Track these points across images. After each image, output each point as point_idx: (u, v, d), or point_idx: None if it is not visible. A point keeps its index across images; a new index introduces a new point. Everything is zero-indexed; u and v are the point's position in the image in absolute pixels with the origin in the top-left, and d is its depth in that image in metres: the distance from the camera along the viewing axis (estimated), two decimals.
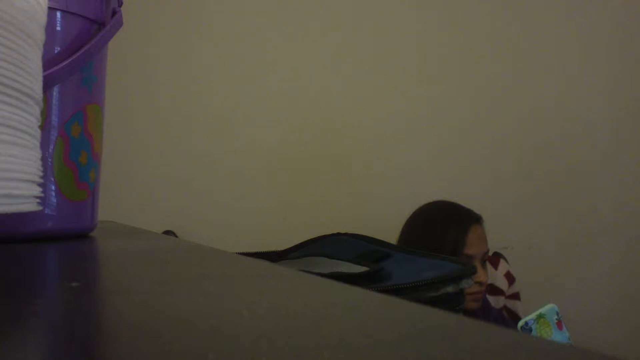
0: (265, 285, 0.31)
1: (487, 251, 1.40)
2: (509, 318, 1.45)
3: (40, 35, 0.35)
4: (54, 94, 0.51)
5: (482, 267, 1.35)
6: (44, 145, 0.48)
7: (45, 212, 0.50)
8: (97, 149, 0.56)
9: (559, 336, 1.08)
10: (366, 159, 1.52)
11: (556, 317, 1.10)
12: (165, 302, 0.25)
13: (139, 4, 1.27)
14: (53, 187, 0.51)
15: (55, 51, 0.51)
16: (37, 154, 0.34)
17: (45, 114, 0.50)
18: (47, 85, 0.46)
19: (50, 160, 0.50)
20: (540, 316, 1.07)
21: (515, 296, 1.50)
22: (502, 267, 1.51)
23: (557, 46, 1.73)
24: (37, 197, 0.33)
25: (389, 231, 1.48)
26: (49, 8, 0.41)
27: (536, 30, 1.72)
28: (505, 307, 1.49)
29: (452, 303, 0.73)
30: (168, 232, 1.27)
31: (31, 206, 0.32)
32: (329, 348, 0.18)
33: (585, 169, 1.77)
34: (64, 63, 0.48)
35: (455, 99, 1.63)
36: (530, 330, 1.05)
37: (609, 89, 1.73)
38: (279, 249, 1.05)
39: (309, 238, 1.08)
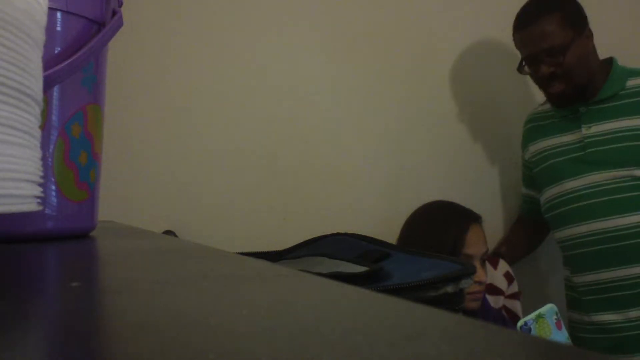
0: (265, 285, 0.31)
1: (487, 251, 1.40)
2: (508, 318, 1.45)
3: (40, 36, 0.35)
4: (54, 94, 0.51)
5: (481, 266, 1.35)
6: (44, 145, 0.48)
7: (46, 212, 0.50)
8: (97, 149, 0.56)
9: (558, 336, 1.09)
10: (366, 159, 1.52)
11: (555, 317, 1.10)
12: (165, 301, 0.25)
13: (139, 5, 1.27)
14: (53, 187, 0.51)
15: (56, 51, 0.51)
16: (37, 154, 0.34)
17: (46, 114, 0.50)
18: (48, 85, 0.46)
19: (50, 160, 0.50)
20: (540, 316, 1.07)
21: (515, 296, 1.50)
22: (502, 267, 1.51)
23: None
24: (37, 197, 0.33)
25: (389, 231, 1.48)
26: (49, 8, 0.41)
27: None
28: (504, 307, 1.49)
29: (452, 303, 0.74)
30: (168, 232, 1.27)
31: (31, 206, 0.32)
32: (329, 348, 0.18)
33: None
34: (64, 63, 0.48)
35: (456, 98, 1.63)
36: (530, 330, 1.05)
37: None
38: (279, 249, 1.05)
39: (309, 238, 1.08)
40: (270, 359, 0.17)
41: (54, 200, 0.51)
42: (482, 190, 1.65)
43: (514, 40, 1.41)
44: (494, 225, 1.61)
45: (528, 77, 1.60)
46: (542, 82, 1.39)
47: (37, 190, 0.33)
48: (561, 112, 1.43)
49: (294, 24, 1.47)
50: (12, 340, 0.19)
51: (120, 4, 0.58)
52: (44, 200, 0.50)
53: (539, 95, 1.72)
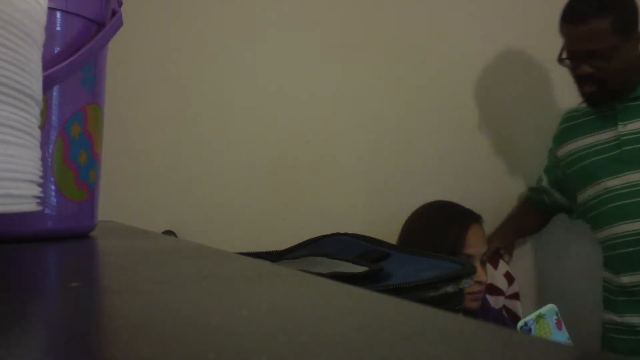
0: (265, 285, 0.31)
1: (487, 251, 1.40)
2: (508, 318, 1.45)
3: (40, 36, 0.35)
4: (54, 94, 0.51)
5: (481, 266, 1.35)
6: (44, 145, 0.48)
7: (45, 212, 0.50)
8: (97, 149, 0.56)
9: (558, 336, 1.09)
10: (366, 159, 1.52)
11: (555, 317, 1.10)
12: (165, 301, 0.25)
13: (139, 4, 1.27)
14: (53, 187, 0.51)
15: (55, 51, 0.51)
16: (37, 154, 0.34)
17: (45, 114, 0.50)
18: (47, 85, 0.46)
19: (50, 160, 0.50)
20: (540, 316, 1.07)
21: (515, 296, 1.50)
22: (502, 267, 1.51)
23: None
24: (37, 197, 0.33)
25: (389, 231, 1.48)
26: (49, 8, 0.41)
27: (541, 29, 1.72)
28: (504, 307, 1.49)
29: (452, 303, 0.73)
30: (168, 232, 1.27)
31: (31, 206, 0.32)
32: (329, 348, 0.18)
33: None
34: (64, 63, 0.48)
35: (457, 98, 1.63)
36: (530, 330, 1.05)
37: None
38: (279, 249, 1.05)
39: (309, 238, 1.08)
40: (270, 359, 0.17)
41: (53, 200, 0.51)
42: (482, 190, 1.65)
43: (560, 28, 1.36)
44: (494, 225, 1.61)
45: (528, 78, 1.60)
46: (579, 80, 1.37)
47: (37, 190, 0.33)
48: (597, 109, 1.42)
49: (296, 25, 1.47)
50: (12, 340, 0.19)
51: (120, 4, 0.58)
52: (43, 200, 0.50)
53: (540, 96, 1.72)
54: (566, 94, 1.64)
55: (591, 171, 1.41)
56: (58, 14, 0.51)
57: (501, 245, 1.54)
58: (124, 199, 1.27)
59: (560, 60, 1.38)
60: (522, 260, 1.65)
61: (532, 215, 1.64)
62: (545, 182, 1.59)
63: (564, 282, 1.68)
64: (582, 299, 1.69)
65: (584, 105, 1.47)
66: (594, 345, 1.64)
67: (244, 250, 0.93)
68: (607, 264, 1.43)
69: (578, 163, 1.45)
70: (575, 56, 1.34)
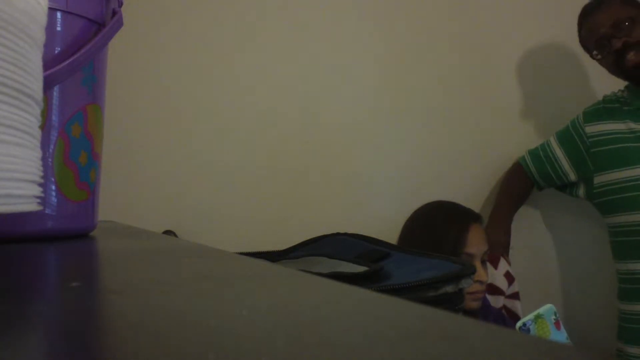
0: (265, 285, 0.31)
1: (487, 250, 1.40)
2: (508, 318, 1.45)
3: (40, 36, 0.35)
4: (54, 94, 0.51)
5: (482, 266, 1.35)
6: (44, 145, 0.48)
7: (46, 212, 0.50)
8: (97, 149, 0.56)
9: (557, 336, 1.09)
10: (366, 159, 1.52)
11: (554, 317, 1.10)
12: (165, 302, 0.25)
13: (139, 4, 1.27)
14: (53, 187, 0.51)
15: (56, 51, 0.51)
16: (37, 154, 0.34)
17: (46, 114, 0.50)
18: (48, 85, 0.46)
19: (50, 160, 0.50)
20: (539, 317, 1.07)
21: (515, 296, 1.50)
22: (502, 266, 1.51)
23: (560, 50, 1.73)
24: (37, 197, 0.33)
25: (389, 231, 1.48)
26: (49, 8, 0.41)
27: (536, 31, 1.72)
28: (504, 307, 1.49)
29: (452, 303, 0.74)
30: (168, 232, 1.27)
31: (31, 206, 0.32)
32: (329, 348, 0.18)
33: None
34: (64, 63, 0.48)
35: (457, 97, 1.63)
36: (529, 330, 1.05)
37: None
38: (279, 249, 1.05)
39: (309, 238, 1.08)
40: (270, 359, 0.17)
41: (54, 200, 0.51)
42: (482, 190, 1.65)
43: (581, 36, 1.45)
44: None
45: (530, 78, 1.60)
46: (618, 59, 1.40)
47: (37, 190, 0.33)
48: (638, 97, 1.44)
49: (295, 22, 1.47)
50: (11, 340, 0.19)
51: (120, 4, 0.58)
52: (44, 200, 0.50)
53: (540, 96, 1.72)
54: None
55: (623, 155, 1.43)
56: (58, 14, 0.51)
57: (503, 251, 1.54)
58: (124, 199, 1.27)
59: (594, 56, 1.43)
60: (523, 260, 1.65)
61: (524, 191, 1.64)
62: (558, 152, 1.57)
63: (564, 281, 1.68)
64: (583, 296, 1.69)
65: (625, 94, 1.49)
66: (593, 345, 1.64)
67: (244, 250, 0.93)
68: (619, 253, 1.44)
69: (610, 144, 1.46)
70: (603, 40, 1.39)
